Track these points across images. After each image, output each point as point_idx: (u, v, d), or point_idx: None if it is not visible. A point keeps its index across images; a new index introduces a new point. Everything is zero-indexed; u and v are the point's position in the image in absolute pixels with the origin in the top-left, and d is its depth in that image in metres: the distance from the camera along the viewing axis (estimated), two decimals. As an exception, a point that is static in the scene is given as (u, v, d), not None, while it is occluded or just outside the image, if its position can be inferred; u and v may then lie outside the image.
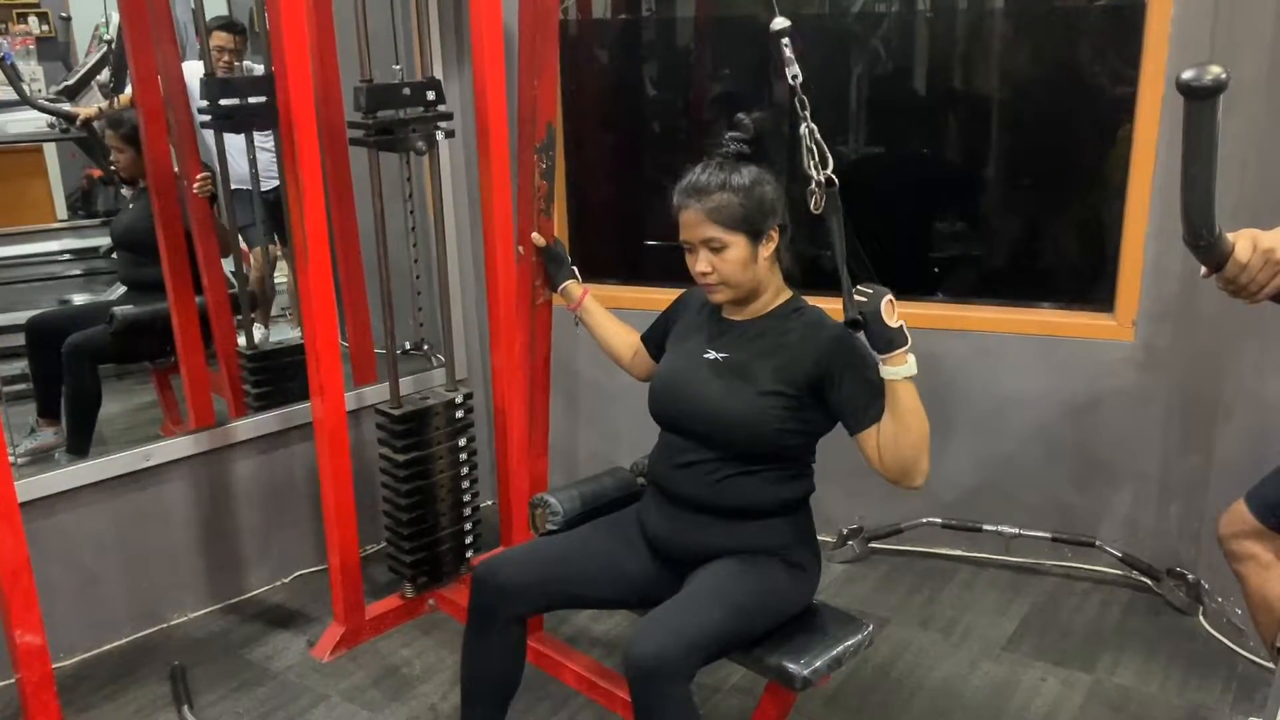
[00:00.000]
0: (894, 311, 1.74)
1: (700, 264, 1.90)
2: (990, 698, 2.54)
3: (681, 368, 2.00)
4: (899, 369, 1.74)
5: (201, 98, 2.99)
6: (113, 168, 3.46)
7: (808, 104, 1.83)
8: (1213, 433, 2.82)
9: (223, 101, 2.98)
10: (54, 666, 2.32)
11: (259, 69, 3.68)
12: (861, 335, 1.78)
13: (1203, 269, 1.42)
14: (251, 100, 3.02)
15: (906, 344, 1.74)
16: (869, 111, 3.26)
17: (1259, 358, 2.63)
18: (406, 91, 2.60)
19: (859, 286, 1.77)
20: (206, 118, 3.05)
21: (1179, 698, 2.52)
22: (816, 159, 1.82)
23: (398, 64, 2.71)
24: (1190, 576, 2.89)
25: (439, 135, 2.68)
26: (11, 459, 2.21)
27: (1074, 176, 3.07)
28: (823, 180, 1.81)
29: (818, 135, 1.81)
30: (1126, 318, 2.92)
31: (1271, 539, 2.06)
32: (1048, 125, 3.07)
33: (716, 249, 1.87)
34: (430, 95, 2.65)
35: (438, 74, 3.16)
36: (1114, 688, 2.57)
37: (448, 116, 2.70)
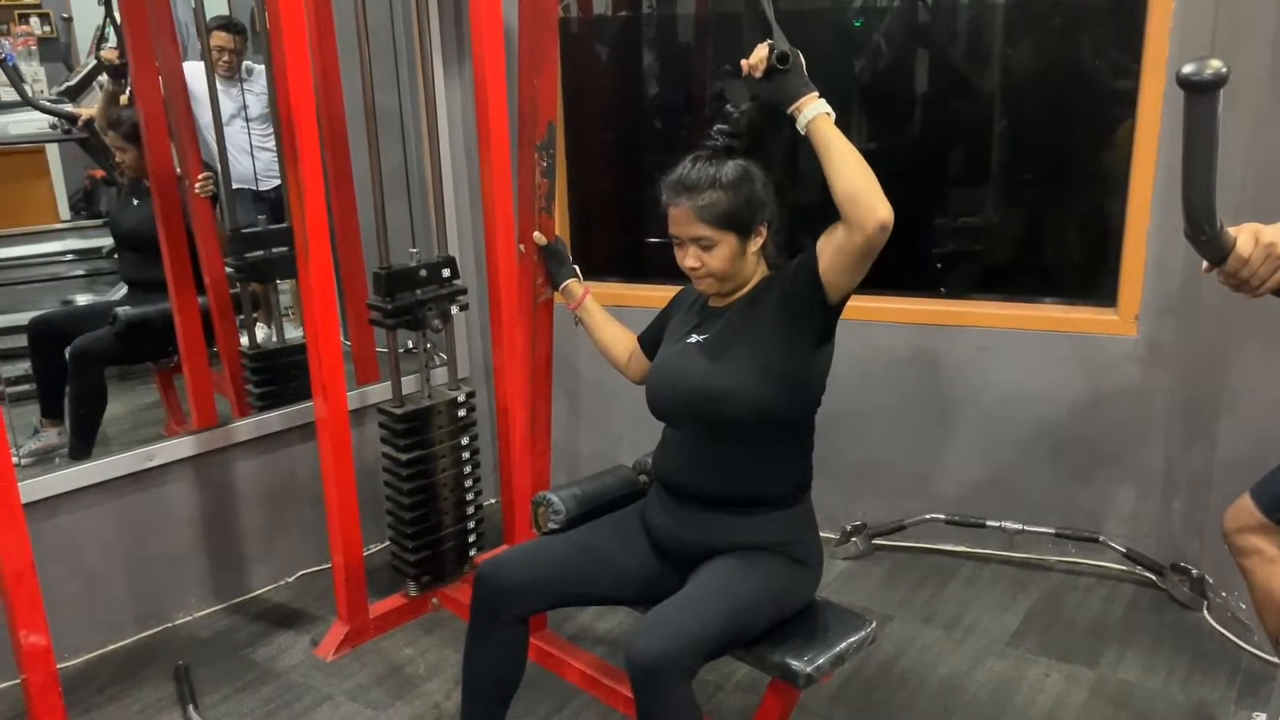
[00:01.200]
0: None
1: (689, 259, 1.91)
2: (994, 694, 2.54)
3: (670, 358, 2.02)
4: (817, 104, 1.75)
5: (225, 255, 3.11)
6: (119, 165, 3.45)
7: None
8: (1216, 427, 2.81)
9: (247, 255, 3.12)
10: (59, 667, 2.33)
11: (259, 68, 3.69)
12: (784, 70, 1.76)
13: (1204, 264, 1.43)
14: (275, 251, 3.15)
15: (815, 88, 1.76)
16: (869, 106, 3.25)
17: (1262, 352, 2.63)
18: (423, 273, 2.72)
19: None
20: (208, 117, 3.06)
21: (1183, 693, 2.52)
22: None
23: (414, 248, 2.80)
24: (1194, 571, 2.89)
25: (454, 309, 2.80)
26: (15, 460, 2.21)
27: (1076, 171, 3.07)
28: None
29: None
30: (1129, 313, 2.91)
31: (1277, 533, 2.05)
32: (1049, 120, 3.07)
33: (706, 246, 1.88)
34: (445, 273, 2.76)
35: (438, 72, 3.16)
36: (1118, 683, 2.57)
37: (462, 291, 2.81)
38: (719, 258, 1.88)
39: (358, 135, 2.87)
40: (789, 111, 1.76)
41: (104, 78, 3.50)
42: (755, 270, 1.96)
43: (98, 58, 3.76)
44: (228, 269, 3.15)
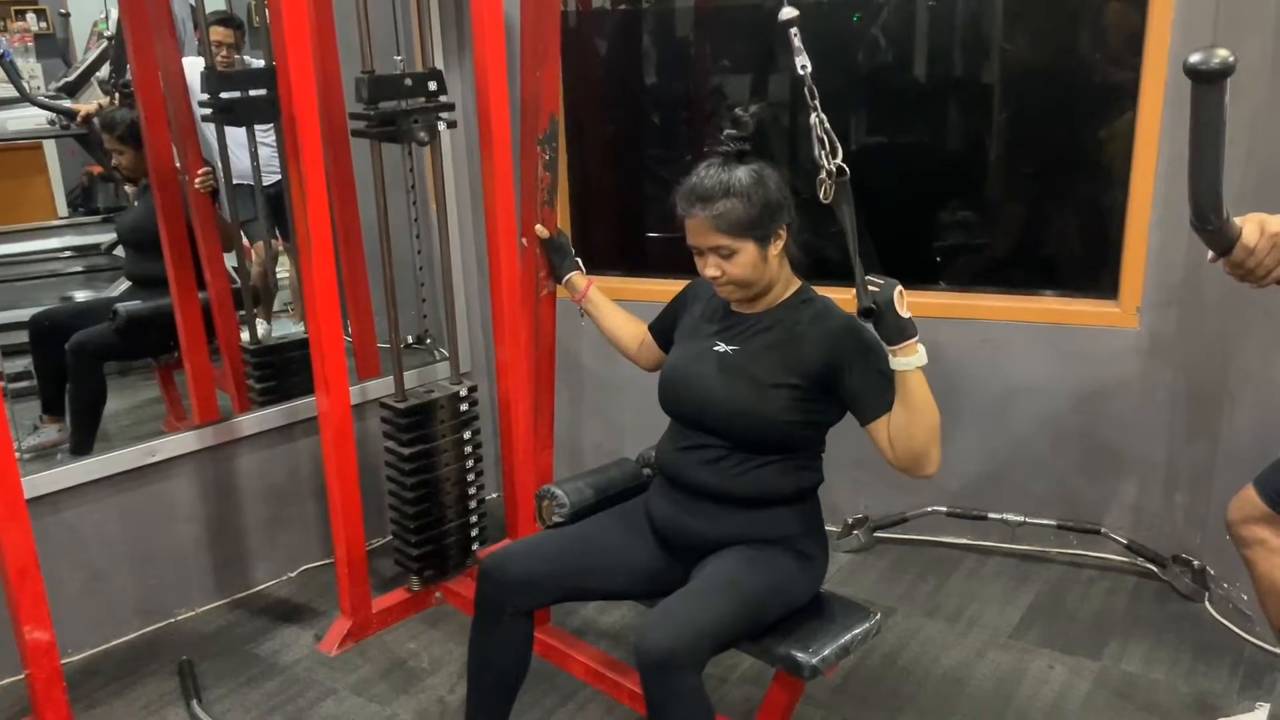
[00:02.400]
0: (904, 301, 1.74)
1: (710, 269, 1.89)
2: (997, 686, 2.54)
3: (691, 361, 2.00)
4: (910, 359, 1.75)
5: (202, 90, 2.99)
6: (115, 167, 3.45)
7: (816, 93, 1.82)
8: (1218, 419, 2.81)
9: (223, 94, 2.97)
10: (63, 662, 2.33)
11: (258, 63, 3.68)
12: (871, 326, 1.77)
13: (1210, 254, 1.42)
14: (252, 93, 3.00)
15: (916, 334, 1.75)
16: (870, 100, 3.25)
17: (1265, 343, 2.63)
18: (408, 82, 2.59)
19: (870, 277, 1.76)
20: (207, 111, 3.04)
21: (1186, 684, 2.52)
22: (827, 148, 1.80)
23: (399, 55, 2.70)
24: (1196, 563, 2.89)
25: (441, 125, 2.68)
26: (18, 455, 2.21)
27: (1077, 163, 3.06)
28: (833, 169, 1.79)
29: (827, 125, 1.79)
30: (1131, 305, 2.91)
31: (1280, 524, 2.06)
32: (1051, 112, 3.06)
33: (725, 255, 1.87)
34: (432, 85, 2.64)
35: (439, 65, 3.15)
36: (1121, 674, 2.57)
37: (449, 107, 2.69)
38: (740, 266, 1.87)
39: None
40: (890, 350, 1.77)
41: (103, 73, 3.48)
42: (780, 274, 1.94)
43: (108, 39, 3.73)
44: (201, 111, 3.03)
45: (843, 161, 1.79)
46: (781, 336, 1.92)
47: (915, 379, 1.75)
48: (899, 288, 1.74)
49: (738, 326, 1.97)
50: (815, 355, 1.86)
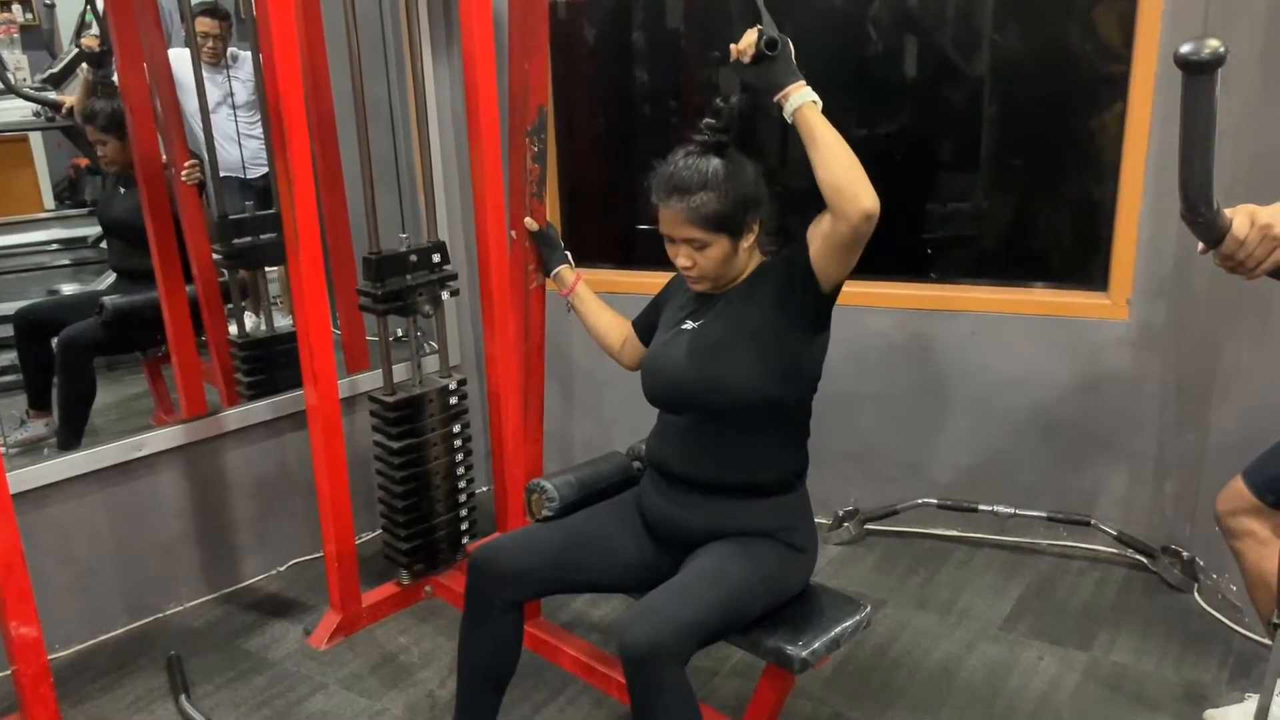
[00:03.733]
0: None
1: (681, 258, 1.89)
2: (988, 677, 2.55)
3: (664, 346, 2.01)
4: (803, 93, 1.73)
5: (212, 241, 3.07)
6: (100, 158, 3.42)
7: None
8: (1208, 410, 2.82)
9: (235, 241, 3.09)
10: (50, 658, 2.32)
11: (244, 55, 3.65)
12: (768, 64, 1.74)
13: (1200, 245, 1.42)
14: (263, 238, 3.12)
15: (802, 75, 1.74)
16: (858, 92, 3.24)
17: (1253, 335, 2.64)
18: (413, 258, 2.70)
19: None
20: (194, 104, 3.03)
21: (1175, 675, 2.53)
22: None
23: (404, 233, 2.77)
24: (1185, 554, 2.90)
25: (445, 294, 2.78)
26: (3, 450, 2.19)
27: (1067, 155, 3.06)
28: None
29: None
30: (1121, 296, 2.91)
31: (1269, 516, 2.07)
32: (1041, 104, 3.06)
33: (698, 247, 1.86)
34: (436, 258, 2.74)
35: (426, 57, 3.13)
36: (1111, 666, 2.58)
37: (453, 277, 2.80)
38: (711, 259, 1.87)
39: (345, 122, 2.85)
40: (775, 99, 1.74)
41: (85, 66, 3.45)
42: (749, 262, 1.95)
43: (79, 45, 3.72)
44: (215, 256, 3.12)
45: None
46: (742, 300, 1.92)
47: (814, 113, 1.72)
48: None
49: (706, 306, 1.98)
50: (770, 284, 1.88)
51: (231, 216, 3.12)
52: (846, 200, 1.68)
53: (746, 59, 1.76)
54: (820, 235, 1.76)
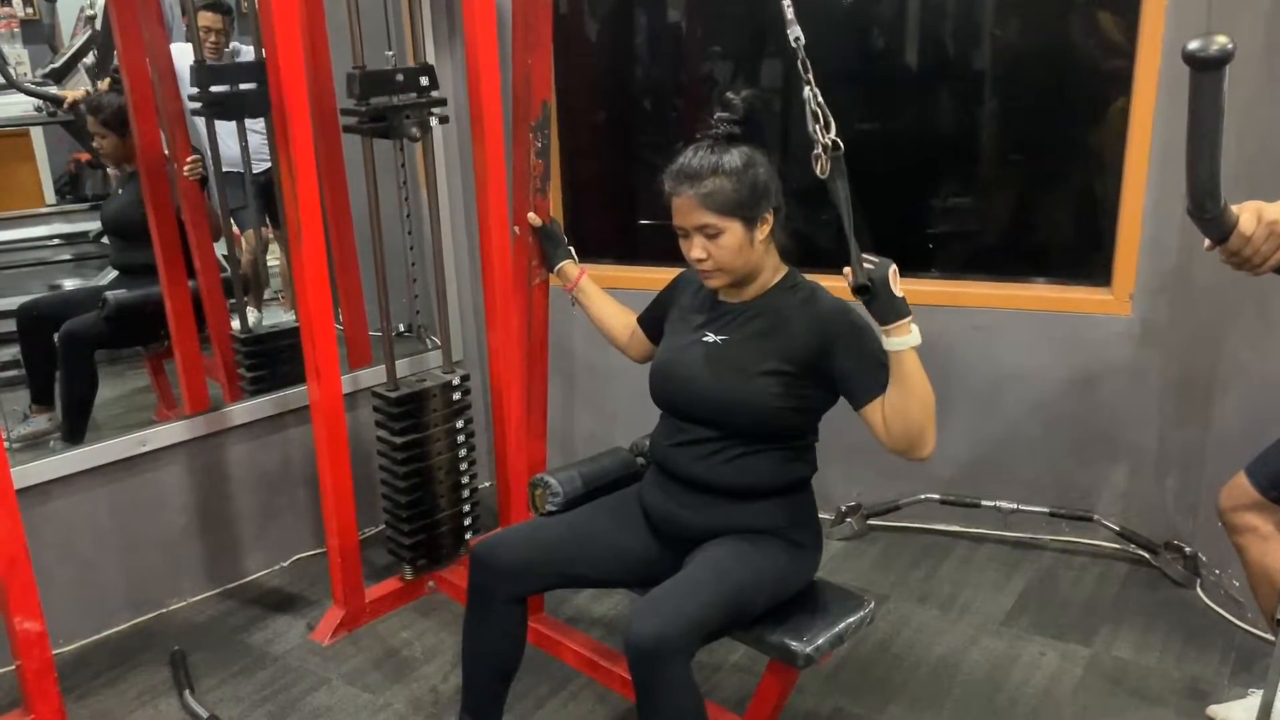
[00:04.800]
0: (898, 281, 1.73)
1: (695, 250, 1.88)
2: (990, 672, 2.55)
3: (680, 353, 1.99)
4: (905, 339, 1.73)
5: (191, 84, 2.96)
6: (98, 151, 3.42)
7: (810, 66, 1.79)
8: (1210, 406, 2.82)
9: (213, 88, 2.95)
10: (54, 653, 2.32)
11: (247, 49, 3.65)
12: (861, 307, 1.76)
13: (1206, 241, 1.42)
14: (242, 87, 2.98)
15: (910, 314, 1.73)
16: (861, 87, 3.23)
17: (1256, 330, 2.63)
18: (400, 78, 2.57)
19: (865, 255, 1.74)
20: (196, 105, 3.02)
21: (1177, 670, 2.53)
22: (821, 122, 1.76)
23: (390, 49, 2.67)
24: (1188, 549, 2.90)
25: (433, 120, 2.66)
26: (6, 444, 2.19)
27: (1070, 151, 3.06)
28: (828, 144, 1.76)
29: (820, 98, 1.77)
30: (1124, 292, 2.91)
31: (1272, 511, 2.07)
32: (1043, 99, 3.05)
33: (711, 235, 1.85)
34: (424, 80, 2.62)
35: (430, 53, 3.13)
36: (1112, 661, 2.58)
37: (441, 102, 2.68)
38: (725, 248, 1.85)
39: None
40: (885, 329, 1.74)
41: (89, 60, 3.45)
42: (766, 261, 1.93)
43: (91, 26, 3.70)
44: (193, 105, 3.00)
45: (837, 136, 1.75)
46: (770, 323, 1.91)
47: (910, 359, 1.74)
48: (893, 266, 1.72)
49: (725, 316, 1.96)
50: (805, 339, 1.86)
51: (210, 63, 3.00)
52: (910, 446, 1.79)
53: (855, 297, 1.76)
54: (874, 419, 1.81)
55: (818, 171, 1.77)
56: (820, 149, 1.76)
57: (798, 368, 1.86)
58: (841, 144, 1.74)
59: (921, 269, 3.21)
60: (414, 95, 2.60)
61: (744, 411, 1.88)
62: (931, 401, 1.75)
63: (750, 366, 1.88)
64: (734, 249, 1.86)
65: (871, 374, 1.80)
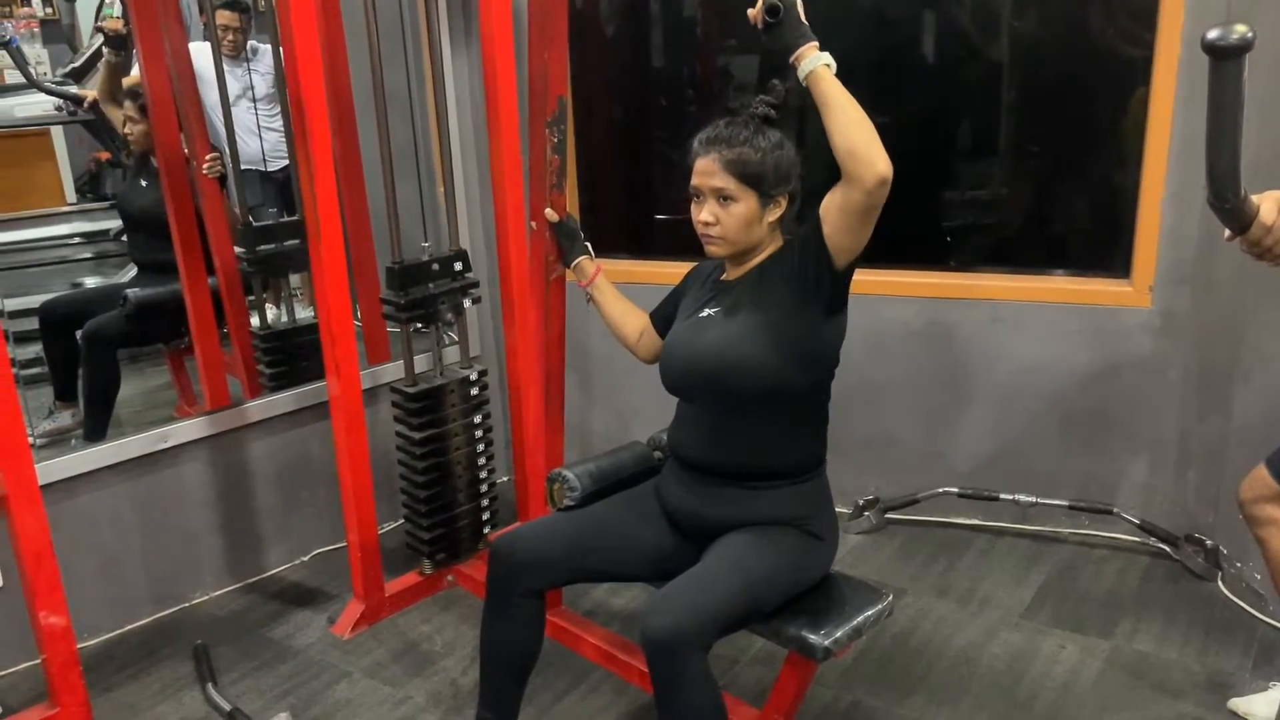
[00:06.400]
0: (804, 8, 1.75)
1: (705, 213, 1.89)
2: (1009, 665, 2.54)
3: (683, 332, 2.01)
4: (815, 56, 1.73)
5: (236, 244, 3.12)
6: (126, 137, 3.44)
7: None
8: (1231, 398, 2.80)
9: (259, 249, 3.12)
10: (79, 647, 2.35)
11: (265, 48, 3.67)
12: (775, 28, 1.75)
13: (1226, 232, 1.42)
14: (287, 244, 3.16)
15: (815, 39, 1.74)
16: (878, 78, 3.22)
17: (1277, 322, 2.62)
18: (435, 267, 2.74)
19: None
20: (214, 97, 3.04)
21: (1198, 663, 2.52)
22: None
23: (426, 240, 2.82)
24: (1209, 542, 2.89)
25: (467, 302, 2.82)
26: (31, 440, 2.22)
27: (1089, 141, 3.04)
28: None
29: None
30: (1143, 283, 2.90)
31: (1293, 503, 2.05)
32: (1062, 89, 3.04)
33: (724, 201, 1.87)
34: (458, 266, 2.78)
35: (445, 48, 3.14)
36: (1133, 654, 2.57)
37: (475, 284, 2.83)
38: (735, 216, 1.87)
39: (364, 114, 2.86)
40: (790, 63, 1.74)
41: (108, 49, 3.47)
42: (768, 242, 1.95)
43: (100, 28, 3.72)
44: (241, 265, 3.16)
45: None
46: (758, 284, 1.92)
47: (827, 76, 1.71)
48: None
49: (726, 292, 1.98)
50: (784, 267, 1.88)
51: (256, 224, 3.16)
52: (861, 164, 1.68)
53: (759, 25, 1.77)
54: (834, 207, 1.76)
55: None
56: None
57: (784, 302, 1.86)
58: None
59: (940, 261, 3.20)
60: (449, 281, 2.77)
61: (739, 369, 1.87)
62: (863, 116, 1.69)
63: (740, 326, 1.89)
64: (743, 220, 1.87)
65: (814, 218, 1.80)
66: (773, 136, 1.88)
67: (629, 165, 3.70)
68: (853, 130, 1.68)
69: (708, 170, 1.87)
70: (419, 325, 2.79)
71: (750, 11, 1.78)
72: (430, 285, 2.72)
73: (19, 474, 2.13)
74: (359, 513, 2.71)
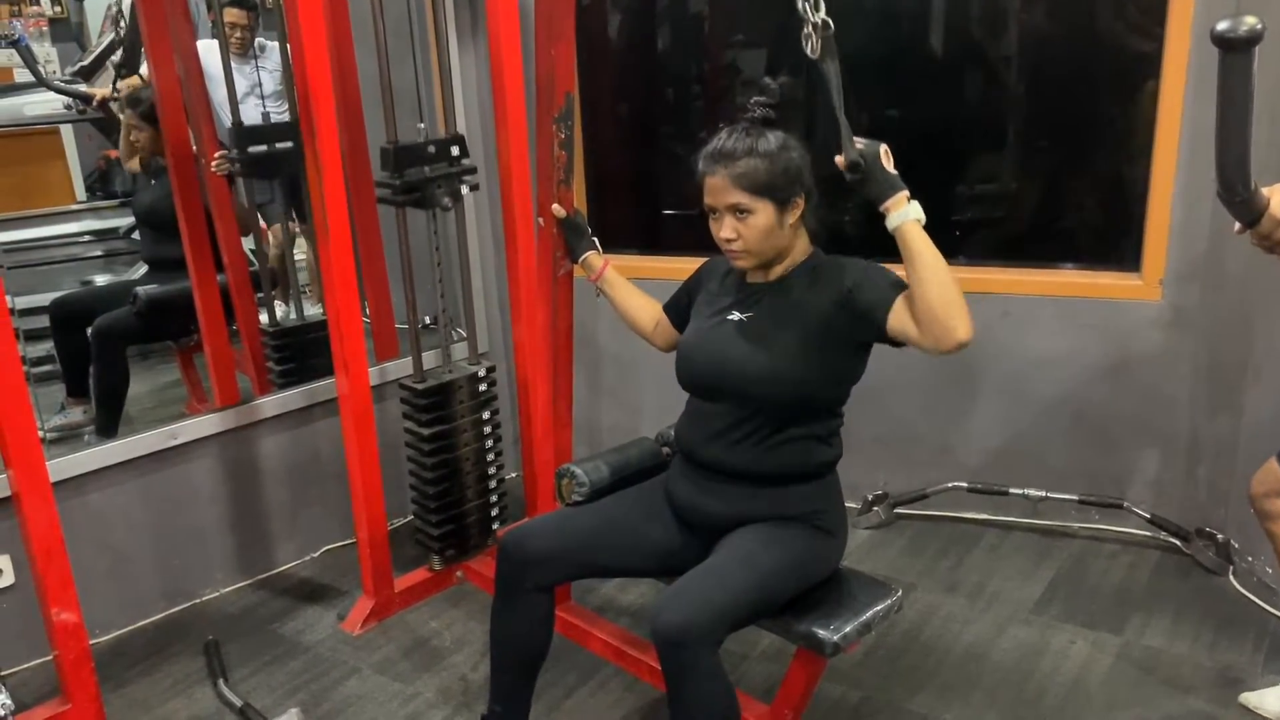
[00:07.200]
0: (890, 159, 1.73)
1: (725, 230, 1.88)
2: (1019, 661, 2.54)
3: (706, 333, 2.00)
4: (906, 210, 1.71)
5: (229, 145, 3.06)
6: (132, 144, 3.46)
7: None
8: (1242, 392, 2.79)
9: (251, 149, 3.05)
10: (91, 643, 2.36)
11: (272, 45, 3.67)
12: (859, 185, 1.74)
13: (1236, 225, 1.41)
14: (279, 145, 3.07)
15: (905, 188, 1.72)
16: (886, 72, 3.21)
17: (1289, 315, 2.60)
18: (431, 149, 2.65)
19: (855, 137, 1.74)
20: (222, 95, 3.05)
21: (1209, 658, 2.51)
22: (810, 1, 1.74)
23: (421, 122, 2.75)
24: (1219, 536, 2.88)
25: (464, 189, 2.73)
26: (41, 434, 2.23)
27: (1098, 135, 3.03)
28: (818, 23, 1.74)
29: None
30: (1154, 278, 2.88)
31: (1304, 498, 2.04)
32: (1071, 83, 3.02)
33: (742, 215, 1.86)
34: (455, 150, 2.70)
35: (453, 46, 3.14)
36: (1144, 649, 2.56)
37: (472, 170, 2.75)
38: (755, 228, 1.85)
39: (372, 110, 2.86)
40: (880, 210, 1.73)
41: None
42: (795, 244, 1.93)
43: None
44: (229, 165, 3.10)
45: (827, 16, 1.73)
46: (796, 298, 1.91)
47: (914, 232, 1.71)
48: (885, 145, 1.73)
49: (753, 296, 1.97)
50: (826, 296, 1.86)
51: (246, 125, 3.10)
52: (940, 327, 1.69)
53: (846, 175, 1.75)
54: (903, 323, 1.74)
55: (808, 52, 1.76)
56: (810, 29, 1.74)
57: (822, 329, 1.85)
58: (831, 23, 1.73)
59: (950, 255, 3.14)
60: (445, 165, 2.68)
61: (768, 384, 1.87)
62: (951, 279, 1.70)
63: (775, 340, 1.88)
64: (764, 230, 1.86)
65: (888, 288, 1.79)
66: (775, 139, 1.86)
67: (637, 161, 3.70)
68: (937, 293, 1.68)
69: (719, 188, 1.86)
70: (428, 321, 2.78)
71: (838, 159, 1.76)
72: (426, 169, 2.64)
73: (30, 472, 2.14)
74: (368, 509, 2.71)
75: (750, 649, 2.59)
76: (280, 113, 3.33)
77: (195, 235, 3.02)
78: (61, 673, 2.31)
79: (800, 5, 1.75)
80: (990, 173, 3.25)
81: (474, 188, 2.77)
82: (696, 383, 2.01)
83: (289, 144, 3.03)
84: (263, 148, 3.06)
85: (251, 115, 3.34)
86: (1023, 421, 3.12)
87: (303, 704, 2.47)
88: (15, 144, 4.54)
